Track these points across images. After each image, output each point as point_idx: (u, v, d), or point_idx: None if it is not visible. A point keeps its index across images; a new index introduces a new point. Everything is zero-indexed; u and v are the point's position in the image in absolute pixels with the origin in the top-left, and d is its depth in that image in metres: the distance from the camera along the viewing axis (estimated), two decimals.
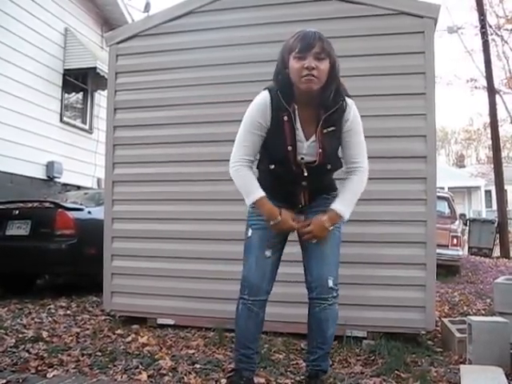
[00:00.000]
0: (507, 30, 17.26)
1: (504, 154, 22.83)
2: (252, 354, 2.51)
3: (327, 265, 2.46)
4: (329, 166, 2.45)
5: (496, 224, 13.89)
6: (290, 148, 2.37)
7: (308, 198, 2.50)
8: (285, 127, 2.36)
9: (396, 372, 2.92)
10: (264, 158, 2.51)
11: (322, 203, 2.50)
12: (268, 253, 2.47)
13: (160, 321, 4.04)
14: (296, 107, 2.36)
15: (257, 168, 2.57)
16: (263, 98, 2.40)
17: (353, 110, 2.41)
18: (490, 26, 15.81)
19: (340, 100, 2.35)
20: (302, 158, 2.39)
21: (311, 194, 2.50)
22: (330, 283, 2.44)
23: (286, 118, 2.35)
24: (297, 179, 2.44)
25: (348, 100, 2.40)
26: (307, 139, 2.39)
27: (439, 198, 7.06)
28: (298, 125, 2.38)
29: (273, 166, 2.45)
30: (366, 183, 2.49)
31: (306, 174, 2.41)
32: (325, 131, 2.36)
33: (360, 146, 2.47)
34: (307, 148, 2.39)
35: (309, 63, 2.22)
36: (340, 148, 2.50)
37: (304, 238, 2.45)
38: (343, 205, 2.43)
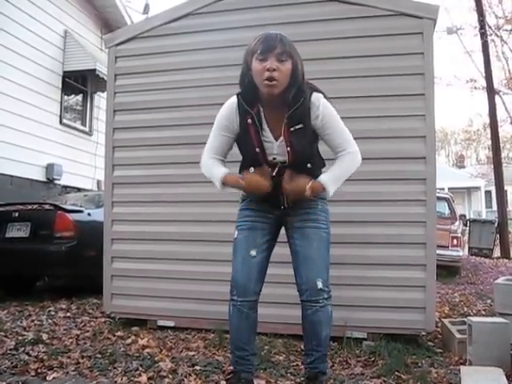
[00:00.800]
0: (506, 30, 17.26)
1: (504, 154, 22.84)
2: (247, 355, 2.51)
3: (315, 267, 2.46)
4: (308, 165, 2.45)
5: (496, 224, 13.89)
6: (257, 150, 2.41)
7: (289, 200, 2.50)
8: (250, 130, 2.41)
9: (396, 373, 2.92)
10: (243, 163, 2.55)
11: (305, 205, 2.49)
12: (253, 252, 2.48)
13: (160, 323, 4.04)
14: (262, 109, 2.40)
15: (239, 173, 2.57)
16: (230, 102, 2.47)
17: (321, 104, 2.39)
18: (490, 27, 15.81)
19: (301, 97, 2.35)
20: (274, 159, 2.43)
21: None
22: (320, 285, 2.43)
23: (249, 120, 2.39)
24: (276, 180, 2.44)
25: (314, 95, 2.39)
26: (276, 139, 2.41)
27: (439, 198, 7.06)
28: (265, 126, 2.41)
29: (252, 169, 2.47)
30: (358, 163, 2.47)
31: (279, 174, 2.42)
32: (292, 129, 2.37)
33: (340, 134, 2.44)
34: (277, 148, 2.41)
35: (270, 64, 2.24)
36: (325, 143, 2.49)
37: (283, 189, 2.43)
38: (329, 178, 2.42)
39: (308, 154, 2.46)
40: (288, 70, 2.28)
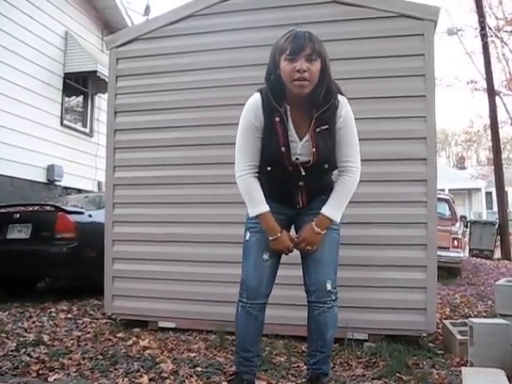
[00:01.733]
0: (507, 31, 17.25)
1: (504, 155, 22.80)
2: (252, 357, 2.51)
3: (325, 268, 2.46)
4: (326, 166, 2.44)
5: (497, 226, 13.88)
6: (283, 149, 2.37)
7: (306, 199, 2.50)
8: (277, 128, 2.36)
9: (397, 374, 2.92)
10: (261, 161, 2.49)
11: (318, 205, 2.49)
12: (266, 256, 2.47)
13: (161, 324, 4.04)
14: (288, 108, 2.36)
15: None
16: (254, 99, 2.41)
17: (345, 106, 2.39)
18: (490, 28, 15.82)
19: (331, 98, 2.34)
20: (297, 159, 2.39)
21: (309, 195, 2.49)
22: (329, 287, 2.44)
23: (277, 118, 2.35)
24: (294, 180, 2.44)
25: (340, 97, 2.39)
26: (301, 139, 2.38)
27: (440, 199, 7.07)
28: (291, 125, 2.38)
29: (269, 168, 2.44)
30: (357, 183, 2.48)
31: (303, 173, 2.41)
32: (318, 130, 2.36)
33: (353, 145, 2.45)
34: (301, 148, 2.38)
35: (300, 66, 2.22)
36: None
37: (301, 248, 2.46)
38: (333, 208, 2.43)
39: (330, 154, 2.44)
40: (317, 69, 2.26)
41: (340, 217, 2.46)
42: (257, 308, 2.47)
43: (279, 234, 2.41)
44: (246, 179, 2.43)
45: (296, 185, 2.45)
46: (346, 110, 2.39)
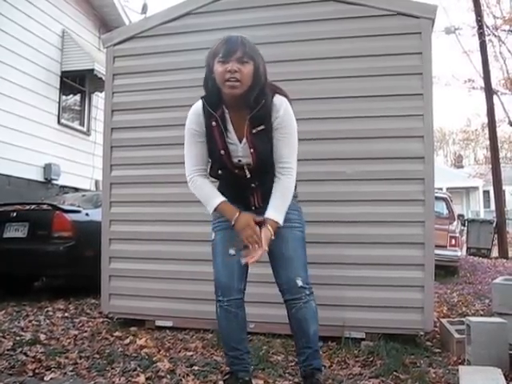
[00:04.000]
0: (504, 30, 17.26)
1: (502, 154, 22.88)
2: (241, 354, 2.52)
3: (293, 266, 2.48)
4: (269, 167, 2.45)
5: (494, 224, 13.91)
6: (222, 152, 2.42)
7: (259, 200, 2.52)
8: (214, 132, 2.42)
9: (395, 373, 2.92)
10: (213, 165, 2.56)
11: None
12: (232, 251, 2.49)
13: (158, 323, 4.03)
14: (226, 111, 2.41)
15: (210, 175, 2.58)
16: (196, 106, 2.49)
17: (283, 108, 2.40)
18: (488, 27, 15.84)
19: (262, 99, 2.36)
20: (240, 161, 2.43)
21: (263, 196, 2.50)
22: (300, 283, 2.46)
23: (214, 123, 2.41)
24: (244, 182, 2.48)
25: (277, 99, 2.40)
26: (240, 141, 2.42)
27: (437, 198, 7.05)
28: (231, 127, 2.43)
29: (220, 172, 2.51)
30: (294, 183, 2.47)
31: (248, 176, 2.45)
32: (254, 131, 2.39)
33: (291, 146, 2.44)
34: (241, 150, 2.42)
35: (231, 67, 2.26)
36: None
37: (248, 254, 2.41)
38: (276, 211, 2.40)
39: (270, 156, 2.45)
40: (249, 71, 2.29)
41: (283, 218, 2.41)
42: (234, 305, 2.48)
43: (237, 214, 2.40)
44: (194, 180, 2.50)
45: (248, 186, 2.49)
46: (284, 111, 2.39)
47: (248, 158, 2.42)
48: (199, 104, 2.47)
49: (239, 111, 2.39)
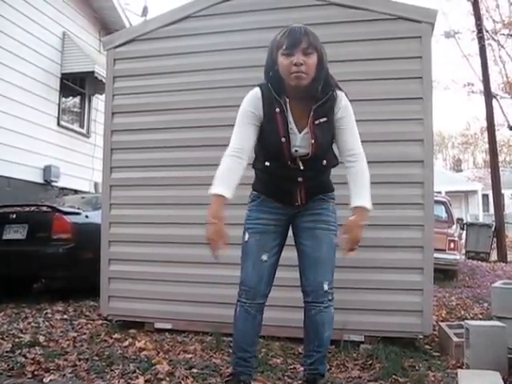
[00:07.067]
0: (504, 34, 17.27)
1: (501, 158, 22.91)
2: (249, 357, 2.52)
3: (323, 269, 2.48)
4: (324, 162, 2.46)
5: (493, 228, 13.90)
6: (283, 139, 2.39)
7: (305, 197, 2.50)
8: (277, 119, 2.39)
9: (393, 376, 2.92)
10: (259, 156, 2.52)
11: (317, 205, 2.51)
12: (265, 257, 2.48)
13: (157, 325, 4.03)
14: (287, 100, 2.40)
15: (253, 167, 2.56)
16: (254, 92, 2.46)
17: (344, 99, 2.44)
18: (487, 31, 15.83)
19: (329, 90, 2.38)
20: (296, 151, 2.41)
21: (308, 192, 2.49)
22: (326, 287, 2.46)
23: (277, 109, 2.39)
24: (292, 175, 2.45)
25: (339, 92, 2.43)
26: (300, 132, 2.41)
27: (436, 202, 7.05)
28: (291, 118, 2.41)
29: (268, 163, 2.47)
30: (367, 166, 2.51)
31: (301, 167, 2.43)
32: (316, 122, 2.39)
33: (355, 133, 2.48)
34: (300, 140, 2.41)
35: (297, 59, 2.26)
36: (334, 140, 2.50)
37: (348, 247, 2.47)
38: (364, 198, 2.44)
39: (328, 149, 2.48)
40: (314, 62, 2.31)
41: (370, 201, 2.46)
42: (255, 308, 2.48)
43: (216, 221, 2.33)
44: (225, 159, 2.42)
45: (295, 180, 2.45)
46: (345, 101, 2.44)
47: (306, 148, 2.40)
48: (257, 91, 2.44)
49: (301, 101, 2.38)
